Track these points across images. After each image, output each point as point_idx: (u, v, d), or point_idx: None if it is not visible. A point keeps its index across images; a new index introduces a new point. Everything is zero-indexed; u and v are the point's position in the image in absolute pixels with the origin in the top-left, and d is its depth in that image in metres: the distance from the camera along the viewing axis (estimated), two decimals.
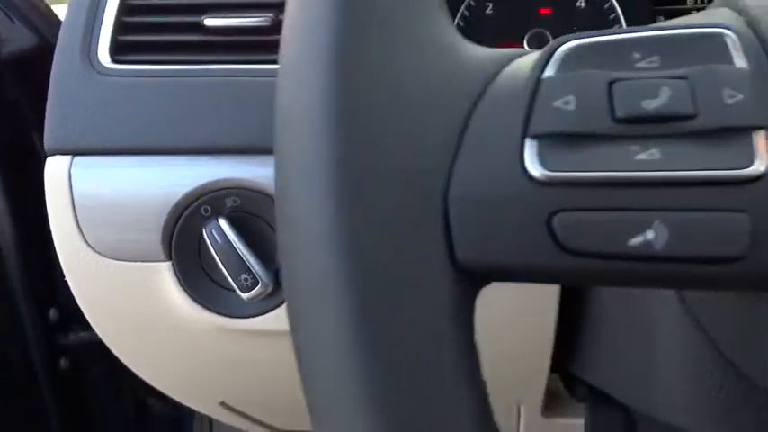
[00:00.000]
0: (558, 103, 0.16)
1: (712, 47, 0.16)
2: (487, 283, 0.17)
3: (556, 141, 0.16)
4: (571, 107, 0.16)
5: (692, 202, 0.15)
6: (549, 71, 0.17)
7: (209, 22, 0.41)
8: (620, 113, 0.16)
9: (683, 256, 0.15)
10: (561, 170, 0.16)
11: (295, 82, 0.16)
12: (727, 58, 0.16)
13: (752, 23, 0.17)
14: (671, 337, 0.30)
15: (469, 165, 0.16)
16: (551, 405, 0.50)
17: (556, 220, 0.15)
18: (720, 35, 0.16)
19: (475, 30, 0.49)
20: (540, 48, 0.52)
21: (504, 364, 0.45)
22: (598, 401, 0.41)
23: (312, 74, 0.15)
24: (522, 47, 0.48)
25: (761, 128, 0.15)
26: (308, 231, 0.15)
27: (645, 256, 0.15)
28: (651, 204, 0.15)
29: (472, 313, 0.17)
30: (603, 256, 0.15)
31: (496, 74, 0.18)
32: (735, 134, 0.15)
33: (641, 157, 0.15)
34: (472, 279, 0.16)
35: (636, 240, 0.15)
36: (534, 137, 0.16)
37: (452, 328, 0.16)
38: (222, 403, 0.49)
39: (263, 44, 0.40)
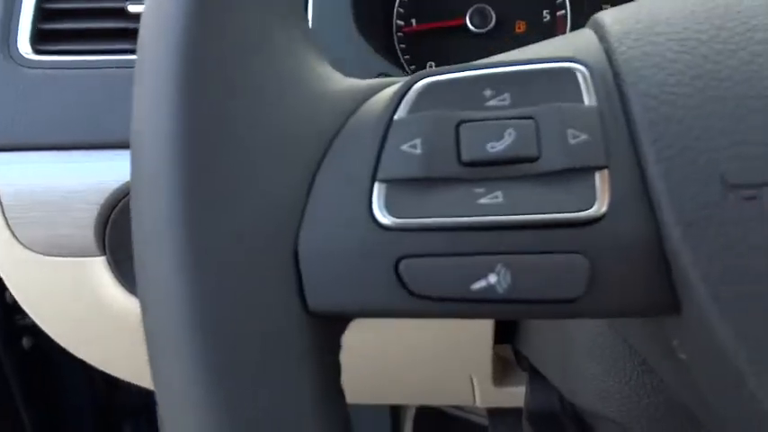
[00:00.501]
0: (405, 147, 0.16)
1: (563, 83, 0.16)
2: (346, 324, 0.17)
3: (403, 186, 0.16)
4: (418, 151, 0.16)
5: (533, 246, 0.15)
6: (402, 111, 0.16)
7: (133, 8, 0.39)
8: (465, 157, 0.16)
9: (524, 299, 0.15)
10: (407, 216, 0.16)
11: (139, 134, 0.16)
12: (577, 95, 0.16)
13: (609, 52, 0.17)
14: (585, 325, 0.30)
15: (320, 211, 0.16)
16: (504, 374, 0.52)
17: (402, 266, 0.16)
18: (572, 71, 0.16)
19: (418, 5, 0.48)
20: (482, 24, 0.51)
21: (450, 342, 0.47)
22: (536, 373, 0.43)
23: (153, 126, 0.15)
24: (465, 22, 0.47)
25: (603, 168, 0.15)
26: (159, 288, 0.15)
27: (489, 300, 0.15)
28: (493, 248, 0.15)
29: (336, 354, 0.17)
30: (449, 300, 0.16)
31: (355, 110, 0.17)
32: (577, 175, 0.15)
33: (484, 201, 0.15)
34: (328, 324, 0.17)
35: (478, 285, 0.15)
36: (383, 181, 0.16)
37: (313, 374, 0.16)
38: None
39: None
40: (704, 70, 0.16)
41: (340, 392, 0.17)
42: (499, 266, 0.15)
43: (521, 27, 0.48)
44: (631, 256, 0.15)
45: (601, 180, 0.15)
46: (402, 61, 0.48)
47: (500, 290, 0.15)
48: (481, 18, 0.47)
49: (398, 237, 0.16)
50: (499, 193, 0.15)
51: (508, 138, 0.16)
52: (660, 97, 0.16)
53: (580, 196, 0.15)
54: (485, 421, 0.78)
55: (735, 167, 0.15)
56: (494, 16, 0.47)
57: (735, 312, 0.14)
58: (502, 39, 0.47)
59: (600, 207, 0.15)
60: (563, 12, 0.48)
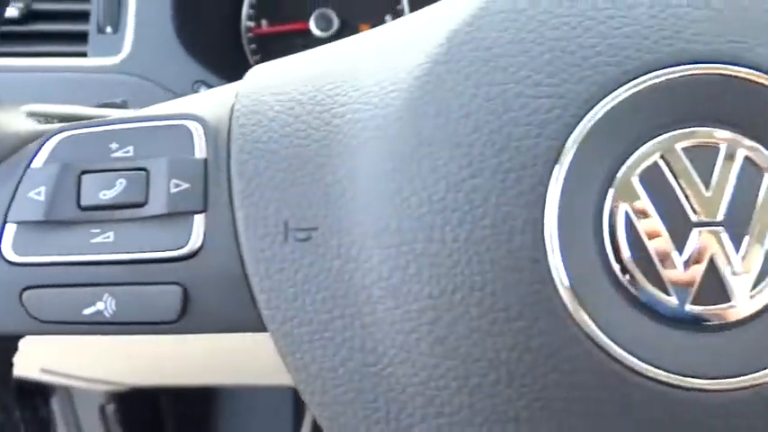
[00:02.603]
0: (32, 194, 0.19)
1: (180, 138, 0.19)
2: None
3: (29, 228, 0.19)
4: (41, 198, 0.19)
5: (136, 278, 0.18)
6: (38, 161, 0.19)
7: None
8: (83, 202, 0.19)
9: (128, 322, 0.19)
10: (30, 254, 0.19)
11: None
12: (190, 149, 0.19)
13: (232, 109, 0.19)
14: None
15: None
16: None
17: (26, 296, 0.19)
18: (186, 127, 0.19)
19: (265, 7, 0.50)
20: (326, 28, 0.52)
21: None
22: None
23: None
24: (309, 26, 0.49)
25: (201, 212, 0.18)
26: None
27: (98, 323, 0.19)
28: (102, 280, 0.19)
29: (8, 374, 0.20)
30: (67, 323, 0.19)
31: (7, 156, 0.20)
32: (177, 218, 0.18)
33: (97, 240, 0.18)
34: None
35: (89, 310, 0.18)
36: (13, 223, 0.19)
37: None
38: (42, 369, 0.53)
39: (12, 35, 0.40)
40: (293, 129, 0.18)
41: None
42: (106, 296, 0.18)
43: (365, 30, 0.50)
44: (221, 286, 0.18)
45: (199, 223, 0.18)
46: (251, 62, 0.50)
47: (107, 315, 0.18)
48: (325, 22, 0.49)
49: (22, 271, 0.19)
50: (111, 234, 0.18)
51: (119, 186, 0.18)
52: (253, 153, 0.18)
53: (178, 236, 0.18)
54: None
55: (295, 215, 0.18)
56: (336, 20, 0.49)
57: (292, 348, 0.17)
58: None
59: (194, 245, 0.18)
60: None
